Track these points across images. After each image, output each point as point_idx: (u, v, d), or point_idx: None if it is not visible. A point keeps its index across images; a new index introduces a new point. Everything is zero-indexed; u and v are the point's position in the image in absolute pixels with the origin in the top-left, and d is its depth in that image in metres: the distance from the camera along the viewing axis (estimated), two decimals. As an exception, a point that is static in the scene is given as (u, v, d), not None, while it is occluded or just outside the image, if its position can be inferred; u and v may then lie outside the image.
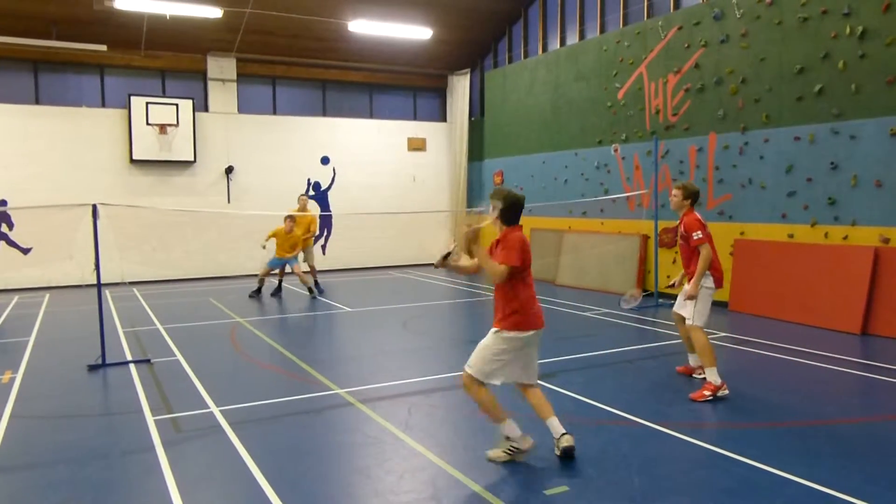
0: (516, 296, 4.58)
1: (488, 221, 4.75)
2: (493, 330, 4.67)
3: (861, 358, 7.49)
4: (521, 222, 4.75)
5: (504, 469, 4.51)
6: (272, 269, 12.69)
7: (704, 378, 6.21)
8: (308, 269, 13.05)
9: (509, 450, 4.61)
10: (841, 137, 9.13)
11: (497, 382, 4.68)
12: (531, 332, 4.62)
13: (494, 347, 4.63)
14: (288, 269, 12.77)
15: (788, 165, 9.81)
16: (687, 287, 6.39)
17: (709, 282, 6.29)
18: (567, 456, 4.59)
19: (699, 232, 6.22)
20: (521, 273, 4.59)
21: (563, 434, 4.63)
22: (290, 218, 12.54)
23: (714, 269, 6.31)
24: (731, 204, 10.71)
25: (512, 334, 4.58)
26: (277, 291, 12.87)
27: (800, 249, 9.59)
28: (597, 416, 5.58)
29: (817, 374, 6.90)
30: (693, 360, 6.75)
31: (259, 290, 12.65)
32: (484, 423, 5.46)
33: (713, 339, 8.45)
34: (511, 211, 4.70)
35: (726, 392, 6.10)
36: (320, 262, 16.99)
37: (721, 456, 4.63)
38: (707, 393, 6.05)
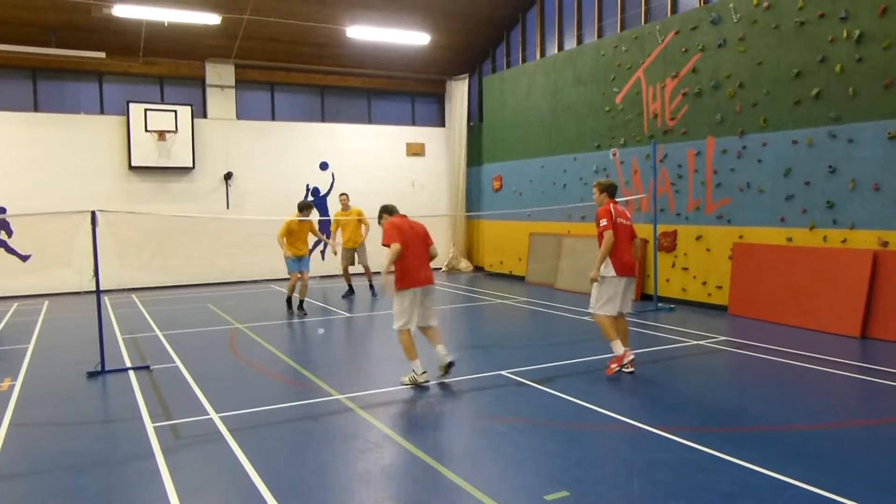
0: (404, 263, 6.66)
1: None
2: (394, 292, 6.72)
3: (860, 361, 7.49)
4: (400, 213, 7.08)
5: (505, 474, 4.51)
6: (298, 274, 11.12)
7: (630, 365, 6.94)
8: (363, 270, 13.30)
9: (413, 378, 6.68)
10: (839, 141, 9.15)
11: (412, 327, 6.73)
12: (423, 287, 6.73)
13: (405, 301, 6.68)
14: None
15: (787, 169, 9.82)
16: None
17: (609, 271, 6.91)
18: (448, 370, 6.68)
19: (605, 220, 6.92)
20: (406, 248, 6.65)
21: (445, 356, 6.67)
22: (307, 208, 11.17)
23: (617, 258, 6.89)
24: (729, 208, 10.73)
25: (412, 290, 6.66)
26: (301, 307, 11.34)
27: (798, 253, 9.60)
28: (596, 421, 5.58)
29: (816, 377, 6.90)
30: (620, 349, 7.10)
31: (301, 305, 11.27)
32: (484, 428, 5.47)
33: (713, 342, 8.47)
34: (386, 211, 7.12)
35: (631, 357, 6.90)
36: (320, 267, 17.01)
37: (720, 460, 4.63)
38: (614, 366, 6.89)
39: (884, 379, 6.71)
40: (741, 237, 10.53)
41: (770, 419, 5.59)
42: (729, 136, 10.67)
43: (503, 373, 7.12)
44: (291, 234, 11.06)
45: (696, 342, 8.53)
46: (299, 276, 11.13)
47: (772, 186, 10.05)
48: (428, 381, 6.71)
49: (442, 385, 6.80)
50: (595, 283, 7.00)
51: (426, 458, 4.81)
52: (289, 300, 11.44)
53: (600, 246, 6.94)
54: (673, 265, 11.67)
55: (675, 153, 11.61)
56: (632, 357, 6.98)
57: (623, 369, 6.96)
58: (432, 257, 6.98)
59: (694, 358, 7.80)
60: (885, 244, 8.64)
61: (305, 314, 11.15)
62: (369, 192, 17.27)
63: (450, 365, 6.73)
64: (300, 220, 10.95)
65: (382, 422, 5.63)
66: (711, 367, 7.52)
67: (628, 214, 7.23)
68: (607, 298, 6.93)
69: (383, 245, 6.77)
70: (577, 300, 12.25)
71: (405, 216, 7.03)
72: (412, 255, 6.73)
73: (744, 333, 9.01)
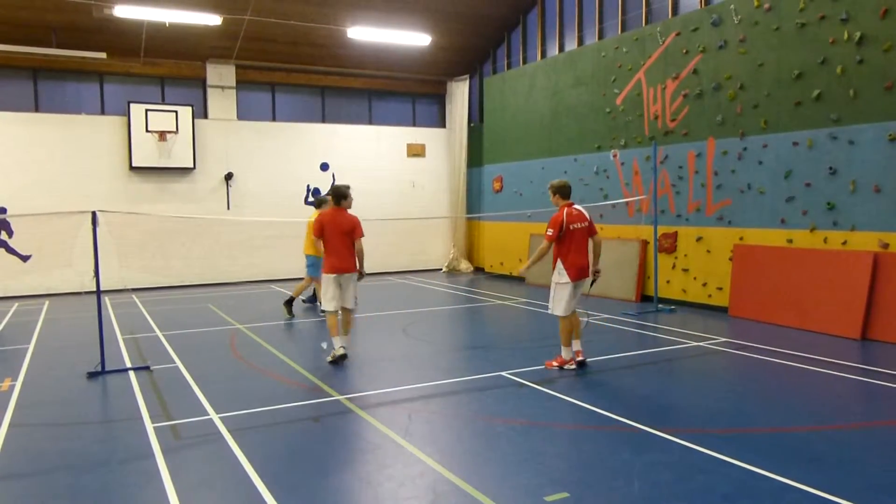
0: (326, 252, 7.69)
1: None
2: (323, 276, 7.72)
3: (861, 363, 7.49)
4: (343, 205, 7.78)
5: (504, 475, 4.51)
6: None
7: (579, 357, 7.29)
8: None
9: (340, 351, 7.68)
10: (839, 143, 9.15)
11: (333, 308, 7.68)
12: (336, 275, 7.64)
13: (325, 286, 7.72)
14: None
15: (787, 171, 9.82)
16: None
17: (563, 277, 7.16)
18: (338, 361, 7.63)
19: (551, 230, 7.13)
20: (325, 239, 7.64)
21: (342, 346, 7.67)
22: (324, 202, 11.16)
23: (569, 264, 7.12)
24: (730, 209, 10.72)
25: (328, 275, 7.63)
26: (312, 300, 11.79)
27: (799, 254, 9.60)
28: (596, 422, 5.58)
29: (817, 379, 6.90)
30: (577, 345, 7.33)
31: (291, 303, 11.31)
32: (484, 428, 5.47)
33: (713, 344, 8.47)
34: (334, 197, 7.83)
35: (572, 367, 7.24)
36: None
37: (721, 461, 4.63)
38: (555, 364, 7.31)
39: (884, 381, 6.71)
40: (742, 239, 10.53)
41: (770, 421, 5.58)
42: (729, 137, 10.67)
43: (503, 373, 7.12)
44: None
45: (696, 343, 8.53)
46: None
47: (772, 188, 10.05)
48: (346, 357, 7.74)
49: (442, 386, 6.80)
50: (551, 288, 7.30)
51: (426, 458, 4.81)
52: (291, 301, 11.18)
53: (546, 241, 7.17)
54: (673, 266, 11.66)
55: (675, 154, 11.61)
56: (581, 359, 7.32)
57: (566, 367, 7.27)
58: (357, 251, 7.76)
59: (694, 359, 7.80)
60: (886, 246, 8.64)
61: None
62: (369, 193, 17.31)
63: (342, 357, 7.63)
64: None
65: (382, 422, 5.63)
66: (711, 369, 7.52)
67: (585, 215, 7.34)
68: (564, 303, 7.19)
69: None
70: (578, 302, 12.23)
71: (340, 210, 7.78)
72: (330, 246, 7.66)
73: (744, 335, 9.01)
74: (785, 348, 8.12)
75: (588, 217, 7.40)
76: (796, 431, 5.31)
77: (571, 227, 7.12)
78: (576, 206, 7.34)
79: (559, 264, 7.18)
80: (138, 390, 6.71)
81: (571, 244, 7.13)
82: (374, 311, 11.66)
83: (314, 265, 10.91)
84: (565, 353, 7.29)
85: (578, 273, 7.18)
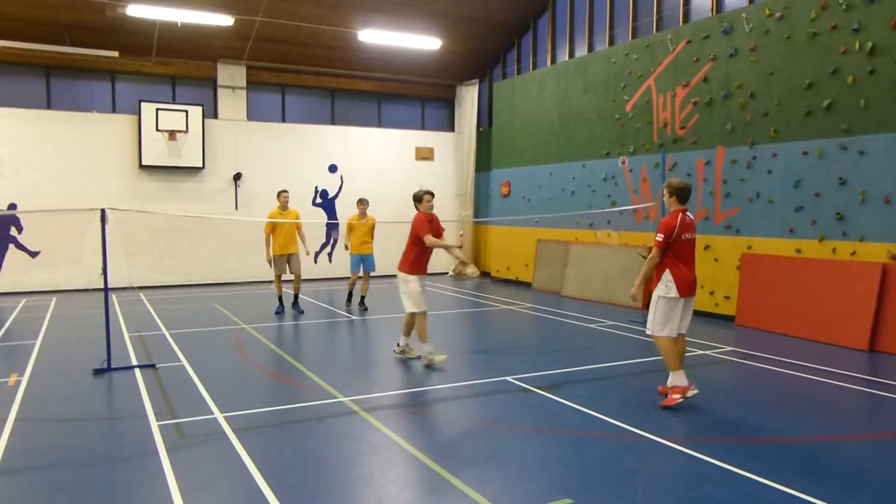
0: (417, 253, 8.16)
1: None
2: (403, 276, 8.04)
3: (868, 374, 7.45)
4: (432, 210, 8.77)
5: (507, 480, 4.50)
6: (359, 274, 11.94)
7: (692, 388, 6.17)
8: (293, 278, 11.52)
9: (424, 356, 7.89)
10: (849, 153, 9.11)
11: (424, 308, 7.94)
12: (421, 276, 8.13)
13: (410, 286, 7.97)
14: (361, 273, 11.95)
15: (796, 180, 9.79)
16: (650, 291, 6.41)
17: (670, 291, 6.14)
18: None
19: (660, 235, 6.13)
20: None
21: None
22: (361, 202, 11.95)
23: (680, 277, 6.13)
24: (738, 218, 10.69)
25: (413, 276, 8.01)
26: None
27: (807, 264, 9.56)
28: (601, 429, 5.56)
29: (823, 389, 6.86)
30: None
31: (362, 300, 12.07)
32: (488, 433, 5.46)
33: (720, 352, 8.44)
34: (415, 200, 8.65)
35: (695, 392, 6.11)
36: (327, 269, 17.05)
37: (725, 470, 4.61)
38: (676, 396, 6.07)
39: (891, 393, 6.66)
40: (750, 248, 10.49)
41: (776, 431, 5.55)
42: (739, 146, 10.64)
43: (508, 378, 7.11)
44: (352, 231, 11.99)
45: (702, 352, 8.49)
46: (359, 276, 12.00)
47: (781, 197, 10.01)
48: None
49: (446, 390, 6.80)
50: (653, 303, 6.30)
51: (429, 461, 4.80)
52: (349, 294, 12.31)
53: (655, 248, 6.20)
54: (680, 274, 11.62)
55: (684, 162, 11.59)
56: (695, 391, 6.20)
57: (689, 395, 6.16)
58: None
59: (700, 368, 7.76)
60: (895, 257, 8.59)
61: (366, 309, 11.95)
62: (377, 196, 17.28)
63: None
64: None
65: (386, 425, 5.63)
66: (718, 378, 7.48)
67: (695, 225, 6.43)
68: (666, 320, 6.20)
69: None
70: (584, 308, 12.23)
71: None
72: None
73: (751, 344, 8.97)
74: (792, 358, 8.08)
75: (695, 228, 6.46)
76: (802, 442, 5.28)
77: (683, 237, 6.17)
78: (688, 214, 6.33)
79: (666, 275, 6.15)
80: (144, 388, 6.73)
81: (682, 254, 6.19)
82: (379, 313, 11.67)
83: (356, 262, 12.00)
84: (677, 379, 6.13)
85: (687, 288, 6.17)
